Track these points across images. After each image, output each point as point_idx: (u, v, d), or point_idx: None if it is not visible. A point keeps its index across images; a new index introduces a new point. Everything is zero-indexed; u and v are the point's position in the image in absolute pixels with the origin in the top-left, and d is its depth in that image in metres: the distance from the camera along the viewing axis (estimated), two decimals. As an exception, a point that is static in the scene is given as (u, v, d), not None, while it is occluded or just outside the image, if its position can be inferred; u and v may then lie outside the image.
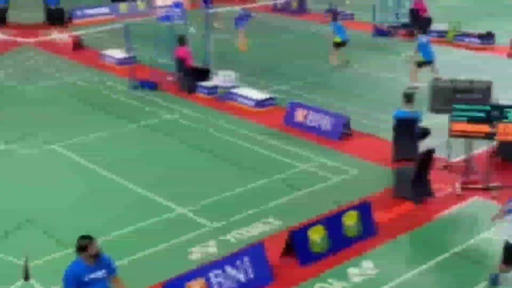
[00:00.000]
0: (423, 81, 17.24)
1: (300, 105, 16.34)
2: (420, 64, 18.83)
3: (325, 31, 25.54)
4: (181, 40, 19.09)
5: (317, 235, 10.48)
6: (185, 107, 17.68)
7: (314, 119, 15.75)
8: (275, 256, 10.32)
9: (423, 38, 19.06)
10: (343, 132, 15.28)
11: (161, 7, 22.47)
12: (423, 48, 18.87)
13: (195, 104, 17.91)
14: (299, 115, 16.07)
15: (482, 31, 22.99)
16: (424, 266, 10.31)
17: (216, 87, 18.42)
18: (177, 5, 20.55)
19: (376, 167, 13.81)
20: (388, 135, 14.26)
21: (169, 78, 19.72)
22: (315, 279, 10.01)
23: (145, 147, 15.28)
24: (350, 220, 10.91)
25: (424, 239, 11.22)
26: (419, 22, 24.15)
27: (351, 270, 10.21)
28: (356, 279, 10.01)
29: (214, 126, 16.28)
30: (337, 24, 21.05)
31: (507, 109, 12.05)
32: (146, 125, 16.51)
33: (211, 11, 21.79)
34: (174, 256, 10.63)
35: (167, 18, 20.09)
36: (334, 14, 22.33)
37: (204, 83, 18.64)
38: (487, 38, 22.67)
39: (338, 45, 20.81)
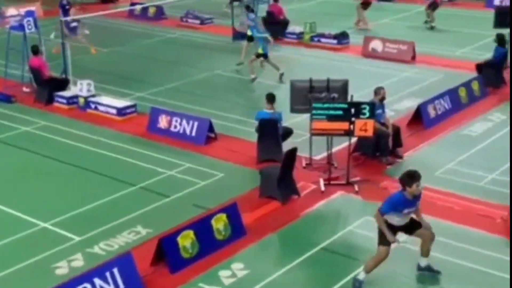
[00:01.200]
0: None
1: (163, 111, 16.18)
2: (258, 56, 19.61)
3: (183, 35, 25.56)
4: (35, 50, 18.35)
5: (186, 241, 10.39)
6: (44, 118, 16.99)
7: (178, 124, 15.64)
8: (146, 265, 10.13)
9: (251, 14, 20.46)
10: (208, 136, 15.29)
11: (12, 16, 21.51)
12: (261, 41, 19.83)
13: (55, 115, 17.26)
14: (163, 121, 15.91)
15: (337, 31, 23.82)
16: (294, 263, 10.50)
17: (75, 96, 17.84)
18: (29, 13, 19.71)
19: (242, 169, 13.92)
20: (252, 136, 14.43)
21: (25, 90, 18.89)
22: (187, 285, 9.92)
23: (3, 161, 14.53)
24: (219, 223, 10.92)
25: (292, 236, 11.43)
26: (276, 24, 24.68)
27: (223, 273, 10.22)
28: (228, 282, 10.02)
29: (75, 136, 15.76)
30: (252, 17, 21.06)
31: (363, 106, 12.52)
32: (2, 139, 15.71)
33: (68, 19, 21.12)
34: (39, 273, 10.18)
35: (19, 27, 19.22)
36: (248, 8, 22.26)
37: (62, 93, 18.01)
38: (342, 38, 23.52)
39: (250, 39, 20.86)
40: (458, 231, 11.28)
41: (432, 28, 25.57)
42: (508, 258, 10.17)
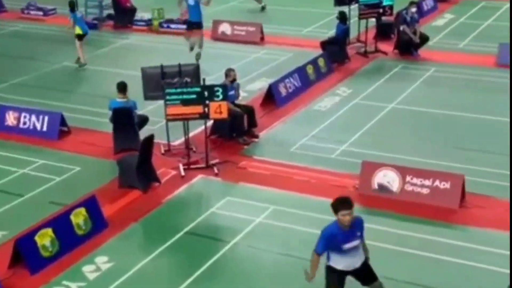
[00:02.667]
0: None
1: (10, 108, 15.46)
2: (79, 37, 19.55)
3: (26, 28, 24.51)
4: None
5: (45, 239, 10.06)
6: None
7: (27, 120, 15.02)
8: (3, 269, 9.70)
9: (78, 13, 19.93)
10: (60, 130, 14.80)
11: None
12: (79, 23, 19.65)
13: None
14: (10, 118, 15.20)
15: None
16: (159, 250, 10.47)
17: None
18: None
19: (100, 161, 13.63)
20: (108, 127, 14.14)
21: None
22: (49, 285, 9.62)
23: None
24: (79, 218, 10.65)
25: (155, 224, 11.38)
26: (123, 12, 24.25)
27: (86, 268, 10.00)
28: (92, 276, 9.83)
29: None
30: (77, 16, 20.17)
31: (216, 89, 12.64)
32: None
33: None
34: None
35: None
36: (71, 4, 21.26)
37: None
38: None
39: (80, 37, 19.94)
40: (315, 202, 11.71)
41: (263, 9, 26.09)
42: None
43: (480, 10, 24.71)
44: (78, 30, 19.78)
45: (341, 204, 7.89)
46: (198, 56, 19.16)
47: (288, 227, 11.00)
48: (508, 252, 9.87)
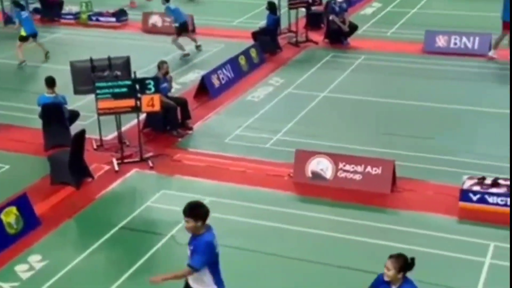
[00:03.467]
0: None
1: None
2: (22, 39, 19.05)
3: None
4: None
5: (-25, 240, 9.80)
6: None
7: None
8: None
9: (23, 13, 19.44)
10: (-13, 128, 14.41)
11: None
12: (25, 23, 19.15)
13: None
14: None
15: (115, 9, 23.46)
16: (93, 247, 10.32)
17: None
18: None
19: (30, 158, 13.33)
20: (37, 123, 13.82)
21: None
22: (-19, 287, 9.39)
23: None
24: (10, 217, 10.39)
25: (89, 220, 11.22)
26: (50, 6, 23.74)
27: (19, 268, 9.78)
28: (26, 276, 9.62)
29: None
30: (25, 15, 19.51)
31: (148, 82, 12.53)
32: None
33: None
34: None
35: None
36: (16, 3, 20.53)
37: None
38: (121, 15, 23.22)
39: (23, 38, 19.24)
40: (251, 192, 11.77)
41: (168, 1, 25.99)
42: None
43: (407, -1, 25.28)
44: (22, 32, 19.13)
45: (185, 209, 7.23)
46: (199, 48, 19.48)
47: (225, 218, 11.01)
48: (436, 233, 10.21)
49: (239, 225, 10.77)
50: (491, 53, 18.10)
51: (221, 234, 10.49)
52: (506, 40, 18.19)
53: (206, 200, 11.40)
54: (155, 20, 22.35)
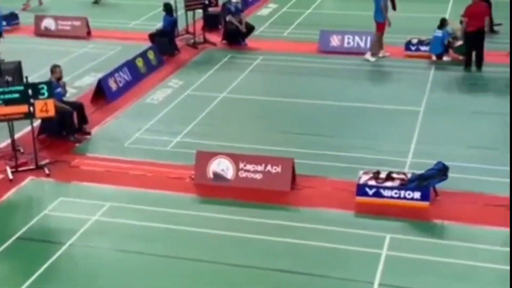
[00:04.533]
0: None
1: None
2: None
3: None
4: None
5: None
6: None
7: None
8: None
9: None
10: None
11: None
12: None
13: None
14: None
15: (6, 12, 22.67)
16: (-11, 259, 9.95)
17: None
18: None
19: None
20: None
21: None
22: None
23: None
24: None
25: (-17, 232, 10.79)
26: None
27: None
28: None
29: None
30: None
31: (41, 86, 12.19)
32: None
33: None
34: None
35: None
36: None
37: None
38: (11, 19, 22.44)
39: None
40: (152, 196, 11.66)
41: (97, 2, 25.61)
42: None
43: (302, -1, 25.77)
44: None
45: None
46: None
47: (126, 223, 10.88)
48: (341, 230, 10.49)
49: (140, 230, 10.65)
50: (368, 56, 18.58)
51: (122, 240, 10.43)
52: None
53: (106, 206, 11.32)
54: (49, 23, 21.74)
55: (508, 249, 9.82)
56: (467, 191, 11.42)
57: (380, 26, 18.39)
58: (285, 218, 10.98)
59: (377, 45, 18.55)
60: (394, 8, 18.55)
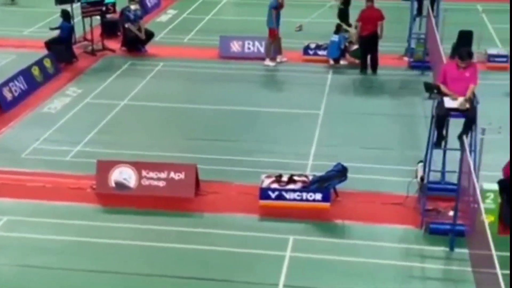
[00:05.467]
0: None
1: None
2: None
3: None
4: None
5: None
6: None
7: None
8: None
9: None
10: None
11: None
12: None
13: None
14: None
15: None
16: None
17: None
18: None
19: None
20: None
21: None
22: None
23: None
24: None
25: None
26: None
27: None
28: None
29: None
30: None
31: None
32: None
33: None
34: None
35: None
36: None
37: None
38: None
39: None
40: (51, 208, 11.37)
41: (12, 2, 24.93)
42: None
43: (201, 5, 25.75)
44: None
45: None
46: None
47: (26, 236, 10.55)
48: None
49: (42, 243, 10.35)
50: (267, 62, 18.87)
51: (23, 254, 10.09)
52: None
53: (2, 220, 10.92)
54: None
55: (405, 245, 10.25)
56: (366, 191, 11.77)
57: (272, 32, 18.66)
58: (190, 224, 10.97)
59: (273, 50, 18.81)
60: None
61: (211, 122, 15.11)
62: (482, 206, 8.66)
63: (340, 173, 11.56)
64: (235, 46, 19.56)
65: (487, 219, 9.39)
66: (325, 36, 19.09)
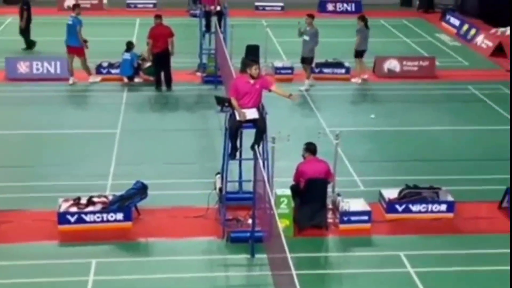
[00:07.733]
0: None
1: None
2: None
3: None
4: None
5: None
6: None
7: None
8: None
9: None
10: None
11: None
12: None
13: None
14: None
15: None
16: None
17: None
18: None
19: None
20: None
21: None
22: None
23: None
24: None
25: None
26: None
27: None
28: None
29: None
30: None
31: None
32: None
33: None
34: None
35: None
36: None
37: None
38: None
39: None
40: None
41: None
42: None
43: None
44: None
45: None
46: None
47: None
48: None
49: None
50: (92, 79, 18.47)
51: None
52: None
53: None
54: None
55: (209, 256, 10.47)
56: (168, 207, 11.85)
57: (71, 50, 18.24)
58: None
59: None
60: None
61: (2, 148, 14.35)
62: (276, 211, 9.08)
63: (141, 190, 11.52)
64: (23, 67, 18.73)
65: (282, 223, 9.94)
66: (116, 54, 18.93)
